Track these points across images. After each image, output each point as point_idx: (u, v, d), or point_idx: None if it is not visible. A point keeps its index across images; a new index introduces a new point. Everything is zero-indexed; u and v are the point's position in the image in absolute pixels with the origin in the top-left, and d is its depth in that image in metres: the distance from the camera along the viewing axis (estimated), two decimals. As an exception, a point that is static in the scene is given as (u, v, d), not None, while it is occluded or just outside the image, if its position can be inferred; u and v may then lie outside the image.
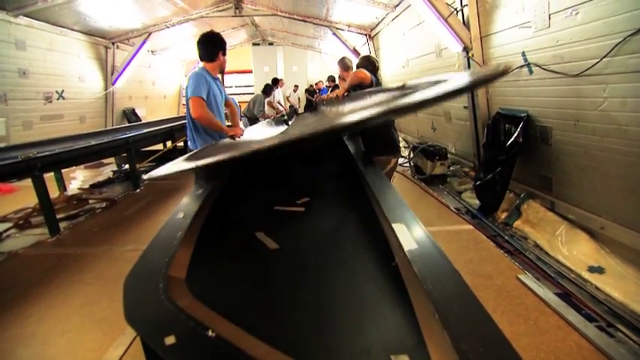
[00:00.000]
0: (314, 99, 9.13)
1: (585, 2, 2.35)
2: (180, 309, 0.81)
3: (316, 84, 10.28)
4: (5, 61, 5.07)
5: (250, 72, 12.31)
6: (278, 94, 8.13)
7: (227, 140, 2.40)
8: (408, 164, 5.13)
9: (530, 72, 3.04)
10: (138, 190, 4.46)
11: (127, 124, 7.06)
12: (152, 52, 9.17)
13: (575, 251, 2.53)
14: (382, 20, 6.71)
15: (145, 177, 1.66)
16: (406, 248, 0.98)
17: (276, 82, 8.00)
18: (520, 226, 3.09)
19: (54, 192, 3.61)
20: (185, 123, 2.48)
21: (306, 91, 10.58)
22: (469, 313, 0.73)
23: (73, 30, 6.36)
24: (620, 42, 2.13)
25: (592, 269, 2.33)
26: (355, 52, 8.11)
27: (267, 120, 5.35)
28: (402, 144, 5.57)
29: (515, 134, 3.12)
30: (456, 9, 3.91)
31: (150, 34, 7.59)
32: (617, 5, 2.14)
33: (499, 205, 3.41)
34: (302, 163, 2.55)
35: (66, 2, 5.32)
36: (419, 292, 0.86)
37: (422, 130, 6.25)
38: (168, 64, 10.59)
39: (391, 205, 1.33)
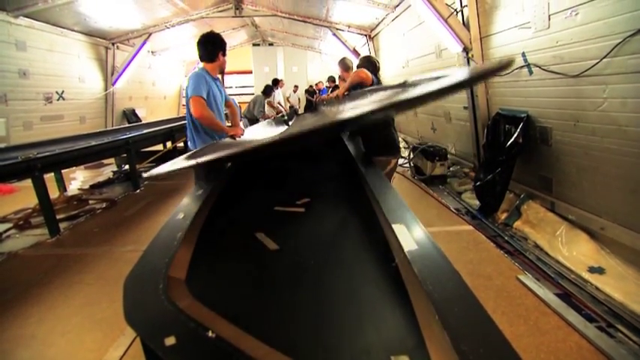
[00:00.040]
0: (314, 99, 9.14)
1: (585, 3, 2.35)
2: (180, 310, 0.80)
3: (316, 84, 10.29)
4: (5, 62, 5.08)
5: (250, 72, 12.32)
6: (278, 95, 8.14)
7: (227, 140, 2.40)
8: (408, 165, 5.13)
9: (530, 72, 3.04)
10: (138, 191, 4.46)
11: (127, 125, 7.06)
12: (152, 52, 9.18)
13: (575, 252, 2.53)
14: (382, 21, 6.71)
15: (144, 175, 1.66)
16: (406, 249, 0.98)
17: (276, 82, 8.00)
18: (520, 226, 3.09)
19: (54, 192, 3.61)
20: (185, 123, 2.48)
21: (306, 91, 10.59)
22: (469, 314, 0.73)
23: (73, 31, 6.37)
24: (619, 42, 2.14)
25: (592, 270, 2.33)
26: (355, 52, 8.11)
27: (267, 120, 5.36)
28: (402, 144, 5.57)
29: (515, 135, 3.13)
30: (455, 9, 3.91)
31: (150, 34, 7.60)
32: (617, 6, 2.14)
33: (499, 206, 3.41)
34: (302, 163, 2.55)
35: (66, 3, 5.32)
36: (419, 292, 0.86)
37: (422, 130, 6.25)
38: (169, 64, 10.60)
39: (391, 205, 1.33)
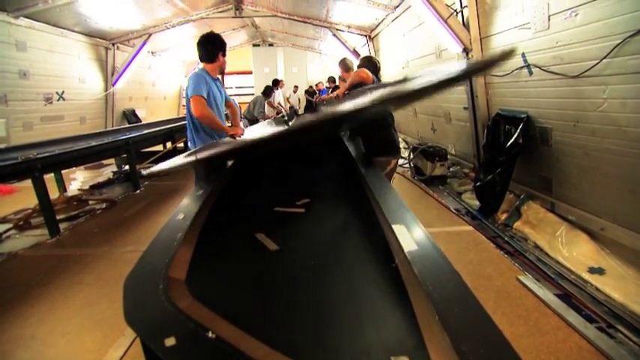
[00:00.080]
0: (314, 100, 9.14)
1: (584, 4, 2.36)
2: (180, 310, 0.81)
3: (316, 85, 10.29)
4: (6, 62, 5.08)
5: (250, 73, 12.33)
6: (278, 95, 8.14)
7: (227, 139, 2.40)
8: (408, 165, 5.13)
9: (530, 73, 3.04)
10: (138, 191, 4.46)
11: (127, 125, 7.06)
12: (152, 53, 9.18)
13: (575, 252, 2.53)
14: (382, 21, 6.72)
15: (144, 173, 1.66)
16: (406, 249, 0.98)
17: (276, 83, 8.00)
18: (520, 227, 3.09)
19: (54, 193, 3.61)
20: (185, 124, 2.48)
21: (306, 92, 10.59)
22: (469, 315, 0.73)
23: (73, 31, 6.37)
24: (619, 43, 2.14)
25: (592, 270, 2.33)
26: (355, 53, 8.12)
27: (267, 120, 5.36)
28: (402, 145, 5.57)
29: (515, 135, 3.13)
30: (455, 10, 3.91)
31: (150, 35, 7.61)
32: (617, 7, 2.14)
33: (499, 206, 3.40)
34: (302, 164, 2.55)
35: (66, 3, 5.33)
36: (419, 293, 0.86)
37: (422, 131, 6.25)
38: (169, 65, 10.61)
39: (391, 206, 1.33)
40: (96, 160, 4.37)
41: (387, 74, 7.22)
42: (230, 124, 2.59)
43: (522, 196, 3.31)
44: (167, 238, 1.17)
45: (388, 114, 2.55)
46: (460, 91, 4.25)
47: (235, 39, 11.37)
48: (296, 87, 10.65)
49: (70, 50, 6.45)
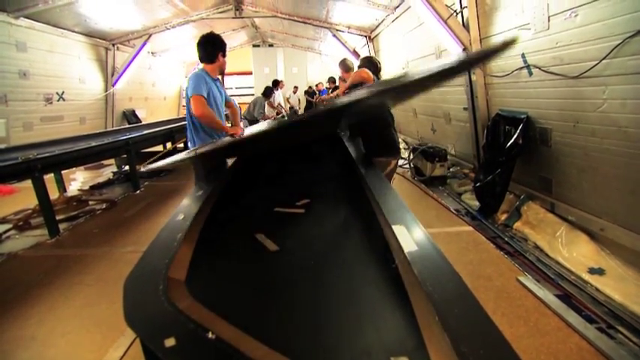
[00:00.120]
0: (314, 100, 9.14)
1: (584, 4, 2.36)
2: (180, 311, 0.80)
3: (316, 85, 10.30)
4: (6, 63, 5.08)
5: (250, 73, 12.34)
6: (278, 96, 8.15)
7: (227, 138, 2.40)
8: (408, 166, 5.14)
9: (530, 73, 3.04)
10: (138, 192, 4.46)
11: (127, 126, 7.07)
12: (152, 53, 9.19)
13: (575, 253, 2.53)
14: (382, 22, 6.72)
15: (143, 169, 1.67)
16: (406, 250, 0.98)
17: (276, 83, 8.01)
18: (520, 227, 3.09)
19: (54, 193, 3.61)
20: (185, 124, 2.48)
21: (306, 92, 10.60)
22: (469, 315, 0.73)
23: (73, 31, 6.38)
24: (619, 44, 2.14)
25: (592, 271, 2.33)
26: (355, 53, 8.12)
27: (267, 120, 5.36)
28: (401, 145, 5.57)
29: (515, 136, 3.13)
30: (455, 11, 3.92)
31: (150, 35, 7.61)
32: (616, 8, 2.15)
33: (499, 207, 3.40)
34: (302, 164, 2.55)
35: (67, 4, 5.33)
36: (419, 293, 0.86)
37: (422, 131, 6.25)
38: (169, 65, 10.61)
39: (391, 206, 1.33)
40: (96, 160, 4.37)
41: (388, 75, 7.23)
42: (230, 124, 2.59)
43: (522, 197, 3.31)
44: (167, 239, 1.17)
45: (387, 111, 2.54)
46: (460, 92, 4.25)
47: (235, 39, 11.38)
48: (296, 87, 10.65)
49: (70, 50, 6.46)
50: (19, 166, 2.84)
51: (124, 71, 7.63)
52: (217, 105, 2.38)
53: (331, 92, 7.08)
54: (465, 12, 3.79)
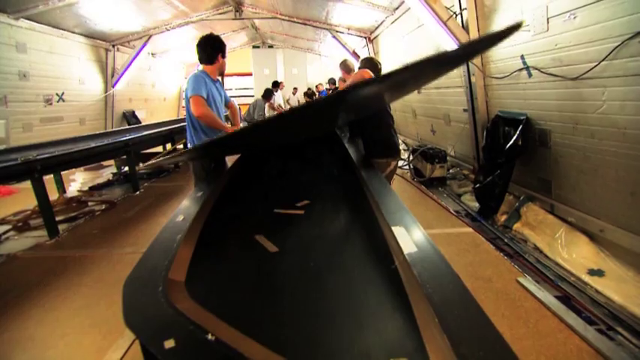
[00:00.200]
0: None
1: (583, 6, 2.37)
2: (179, 312, 0.80)
3: (316, 86, 10.31)
4: (6, 64, 5.09)
5: (250, 75, 12.34)
6: (278, 97, 8.16)
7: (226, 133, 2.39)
8: (407, 167, 5.14)
9: (530, 75, 3.05)
10: (137, 193, 4.46)
11: (127, 127, 7.06)
12: (152, 54, 9.20)
13: (574, 254, 2.53)
14: (382, 23, 6.74)
15: (142, 165, 1.66)
16: (406, 251, 0.98)
17: (276, 85, 8.02)
18: (520, 228, 3.09)
19: (53, 194, 3.60)
20: (185, 125, 2.48)
21: (305, 94, 10.60)
22: (469, 317, 0.73)
23: (73, 33, 6.39)
24: (618, 45, 2.15)
25: (592, 272, 2.33)
26: (355, 54, 8.14)
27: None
28: (401, 147, 5.57)
29: (515, 137, 3.13)
30: (455, 12, 3.92)
31: (150, 36, 7.62)
32: (615, 9, 2.15)
33: (499, 208, 3.41)
34: (302, 165, 2.55)
35: (67, 5, 5.34)
36: (418, 295, 0.86)
37: (421, 132, 6.26)
38: (169, 66, 10.63)
39: (391, 207, 1.33)
40: (95, 161, 4.37)
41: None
42: (230, 125, 2.59)
43: (522, 198, 3.31)
44: (166, 240, 1.16)
45: (387, 111, 2.54)
46: (459, 93, 4.26)
47: (235, 41, 11.40)
48: (295, 89, 10.65)
49: (70, 52, 6.46)
50: (19, 167, 2.83)
51: (124, 72, 7.63)
52: (217, 106, 2.39)
53: (331, 93, 7.09)
54: (465, 14, 3.80)
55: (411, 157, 5.05)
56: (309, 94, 10.29)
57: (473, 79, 3.86)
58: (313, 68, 12.76)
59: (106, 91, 7.56)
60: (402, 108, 6.82)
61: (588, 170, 2.61)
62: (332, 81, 7.93)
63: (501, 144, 3.31)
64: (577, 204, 2.78)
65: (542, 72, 2.86)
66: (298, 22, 7.81)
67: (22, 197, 4.03)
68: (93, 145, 4.01)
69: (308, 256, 1.29)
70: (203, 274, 1.16)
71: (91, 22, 6.27)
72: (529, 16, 2.89)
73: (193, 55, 2.51)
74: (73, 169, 4.52)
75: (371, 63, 2.66)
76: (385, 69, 2.11)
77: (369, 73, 2.42)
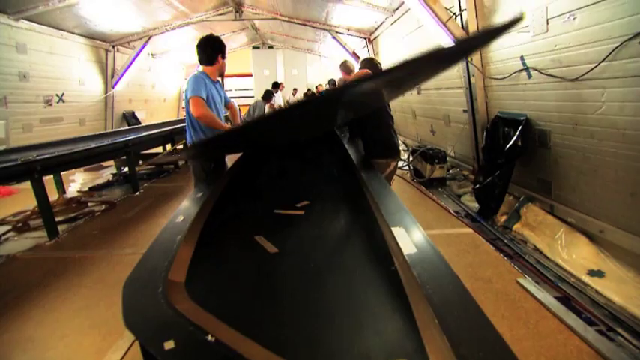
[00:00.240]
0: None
1: (582, 7, 2.37)
2: (179, 313, 0.80)
3: (316, 87, 10.32)
4: (6, 64, 5.09)
5: (250, 75, 12.36)
6: (278, 98, 8.16)
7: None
8: (407, 168, 5.14)
9: (529, 76, 3.05)
10: (137, 193, 4.45)
11: (127, 127, 7.06)
12: (152, 55, 9.21)
13: (574, 255, 2.53)
14: (382, 24, 6.75)
15: (141, 163, 1.66)
16: (405, 252, 0.98)
17: (276, 86, 8.03)
18: (519, 229, 3.09)
19: (53, 195, 3.60)
20: (184, 126, 2.48)
21: (305, 95, 10.59)
22: (469, 318, 0.73)
23: (73, 33, 6.39)
24: (617, 47, 2.15)
25: (592, 273, 2.33)
26: (355, 55, 8.15)
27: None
28: (401, 147, 5.58)
29: (515, 138, 3.14)
30: (454, 13, 3.93)
31: (150, 37, 7.63)
32: (614, 11, 2.16)
33: (498, 209, 3.41)
34: (301, 166, 2.55)
35: (67, 6, 5.35)
36: (418, 296, 0.86)
37: (421, 133, 6.26)
38: (168, 67, 10.63)
39: (391, 208, 1.34)
40: (95, 162, 4.37)
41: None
42: (230, 125, 2.59)
43: (522, 199, 3.31)
44: (166, 241, 1.17)
45: (386, 111, 2.54)
46: (459, 94, 4.26)
47: (235, 41, 11.41)
48: (295, 90, 10.66)
49: (70, 52, 6.47)
50: (19, 167, 2.83)
51: (124, 73, 7.64)
52: (217, 107, 2.39)
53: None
54: (465, 14, 3.80)
55: (410, 158, 5.05)
56: (309, 95, 10.30)
57: (473, 79, 3.86)
58: (313, 69, 12.77)
59: (106, 92, 7.56)
60: (402, 109, 6.82)
61: (588, 171, 2.62)
62: (332, 82, 7.94)
63: (501, 145, 3.31)
64: (577, 205, 2.78)
65: (541, 73, 2.86)
66: (298, 23, 7.81)
67: (22, 198, 4.02)
68: (93, 145, 4.01)
69: (308, 257, 1.29)
70: (203, 274, 1.16)
71: (91, 23, 6.28)
72: (529, 17, 2.90)
73: (193, 56, 2.50)
74: (73, 170, 4.52)
75: (371, 64, 2.66)
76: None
77: (369, 74, 2.42)
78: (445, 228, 3.10)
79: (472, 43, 1.32)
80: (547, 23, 2.71)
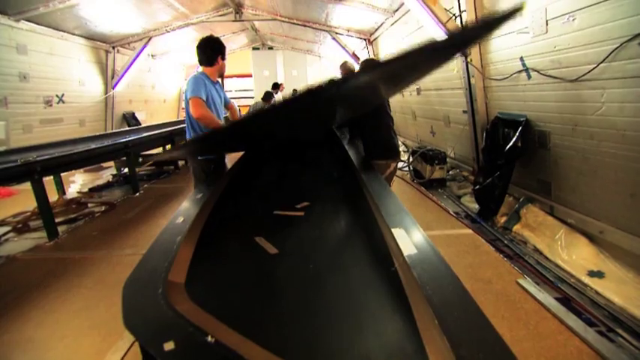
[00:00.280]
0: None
1: (582, 9, 2.37)
2: (179, 314, 0.80)
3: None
4: (6, 65, 5.09)
5: (250, 76, 12.36)
6: (278, 98, 8.16)
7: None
8: (407, 168, 5.14)
9: (529, 77, 3.06)
10: (137, 194, 4.45)
11: (127, 128, 7.06)
12: (152, 56, 9.21)
13: (574, 255, 2.53)
14: (381, 25, 6.75)
15: (140, 160, 1.66)
16: (405, 253, 0.98)
17: (276, 87, 8.03)
18: (519, 230, 3.09)
19: (53, 196, 3.60)
20: (184, 127, 2.48)
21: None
22: (468, 319, 0.73)
23: (73, 34, 6.39)
24: (616, 48, 2.15)
25: (592, 274, 2.33)
26: (355, 56, 8.15)
27: None
28: (401, 148, 5.58)
29: (514, 139, 3.14)
30: (454, 14, 3.94)
31: (150, 38, 7.63)
32: (614, 12, 2.16)
33: (498, 210, 3.41)
34: (301, 167, 2.56)
35: (67, 7, 5.35)
36: (418, 297, 0.86)
37: (421, 134, 6.27)
38: (169, 68, 10.64)
39: (390, 209, 1.34)
40: (95, 163, 4.37)
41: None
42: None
43: (521, 200, 3.31)
44: (166, 242, 1.17)
45: (386, 111, 2.54)
46: (459, 95, 4.26)
47: (235, 42, 11.41)
48: (294, 90, 10.64)
49: (71, 53, 6.47)
50: (19, 168, 2.83)
51: (124, 74, 7.64)
52: (216, 108, 2.39)
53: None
54: (464, 16, 3.81)
55: (410, 159, 5.05)
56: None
57: (472, 80, 3.87)
58: (313, 70, 12.78)
59: (106, 93, 7.56)
60: (402, 109, 6.83)
61: (588, 172, 2.62)
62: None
63: (501, 145, 3.31)
64: (577, 205, 2.78)
65: (541, 74, 2.87)
66: (298, 24, 7.82)
67: (22, 199, 4.02)
68: (93, 146, 4.01)
69: (308, 258, 1.29)
70: (203, 275, 1.16)
71: (91, 24, 6.28)
72: (528, 17, 2.90)
73: (193, 57, 2.51)
74: (73, 171, 4.52)
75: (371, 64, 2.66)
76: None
77: None
78: (445, 229, 3.10)
79: (472, 33, 1.32)
80: (547, 24, 2.72)
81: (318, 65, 12.80)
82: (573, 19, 2.47)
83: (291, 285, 1.14)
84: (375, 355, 0.81)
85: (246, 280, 1.19)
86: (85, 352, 1.68)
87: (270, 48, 12.54)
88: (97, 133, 5.80)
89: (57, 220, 3.25)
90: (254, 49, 12.40)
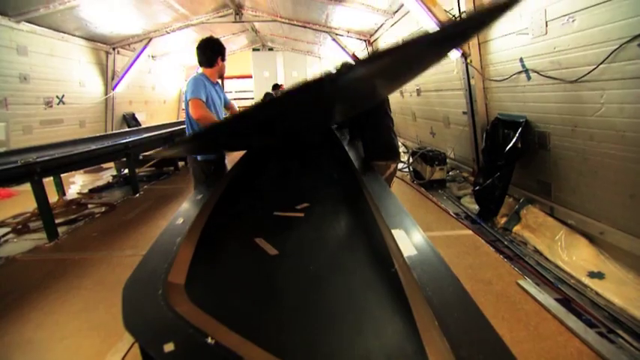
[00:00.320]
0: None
1: (581, 10, 2.38)
2: (179, 315, 0.80)
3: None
4: (6, 66, 5.10)
5: (250, 77, 12.38)
6: (278, 99, 8.16)
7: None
8: (407, 169, 5.14)
9: (529, 78, 3.06)
10: (137, 195, 4.45)
11: (127, 129, 7.07)
12: (152, 57, 9.22)
13: (574, 256, 2.53)
14: (381, 26, 6.76)
15: (140, 158, 1.65)
16: (405, 254, 0.98)
17: (276, 87, 8.03)
18: (519, 231, 3.09)
19: (53, 197, 3.60)
20: (184, 128, 2.49)
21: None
22: (469, 320, 0.73)
23: (74, 35, 6.40)
24: (616, 49, 2.16)
25: (592, 275, 2.33)
26: (355, 57, 8.16)
27: None
28: (401, 149, 5.58)
29: (514, 139, 3.14)
30: (454, 16, 3.94)
31: (150, 39, 7.64)
32: (613, 13, 2.17)
33: (498, 210, 3.41)
34: (301, 168, 2.56)
35: (68, 8, 5.36)
36: (418, 298, 0.86)
37: (421, 135, 6.27)
38: (169, 69, 10.65)
39: (390, 210, 1.34)
40: (95, 163, 4.37)
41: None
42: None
43: (522, 200, 3.31)
44: (166, 243, 1.17)
45: (385, 111, 2.53)
46: (459, 96, 4.27)
47: (235, 43, 11.42)
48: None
49: (71, 54, 6.48)
50: (19, 169, 2.83)
51: (124, 75, 7.64)
52: (216, 109, 2.39)
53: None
54: (464, 17, 3.81)
55: (410, 160, 5.06)
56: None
57: (472, 81, 3.87)
58: (313, 71, 12.79)
59: (106, 94, 7.57)
60: (402, 110, 6.84)
61: (588, 173, 2.62)
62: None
63: (501, 146, 3.31)
64: (577, 206, 2.78)
65: (541, 75, 2.87)
66: (298, 25, 7.83)
67: (22, 200, 4.02)
68: (93, 147, 4.01)
69: (308, 259, 1.29)
70: (203, 277, 1.16)
71: (91, 25, 6.29)
72: (528, 19, 2.91)
73: (193, 58, 2.51)
74: (73, 172, 4.53)
75: None
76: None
77: None
78: (445, 230, 3.10)
79: (470, 24, 1.31)
80: (546, 25, 2.72)
81: (318, 66, 12.81)
82: (573, 21, 2.47)
83: (291, 286, 1.14)
84: (375, 357, 0.81)
85: (247, 281, 1.19)
86: (84, 353, 1.68)
87: (270, 49, 12.55)
88: (97, 134, 5.80)
89: (57, 221, 3.25)
90: (254, 50, 12.42)
